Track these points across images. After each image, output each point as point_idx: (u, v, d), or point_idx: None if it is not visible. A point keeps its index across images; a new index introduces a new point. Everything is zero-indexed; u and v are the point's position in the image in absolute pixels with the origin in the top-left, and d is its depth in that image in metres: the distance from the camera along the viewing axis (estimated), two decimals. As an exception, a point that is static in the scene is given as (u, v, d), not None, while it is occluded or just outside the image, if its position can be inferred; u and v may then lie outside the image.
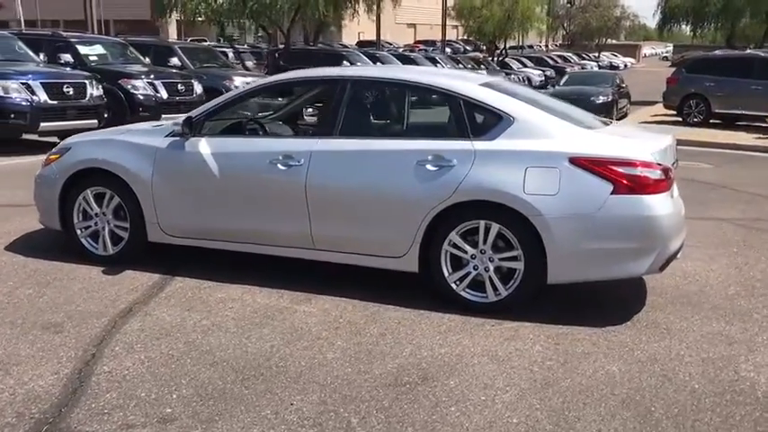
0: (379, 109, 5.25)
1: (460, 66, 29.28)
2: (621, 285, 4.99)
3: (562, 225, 4.35)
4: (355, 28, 50.70)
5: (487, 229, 4.50)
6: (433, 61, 27.66)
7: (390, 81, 5.18)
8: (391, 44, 58.34)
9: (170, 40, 44.16)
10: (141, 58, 14.89)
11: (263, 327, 4.28)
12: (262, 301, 4.73)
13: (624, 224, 4.33)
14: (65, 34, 14.39)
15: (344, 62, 21.66)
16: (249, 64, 24.70)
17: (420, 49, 48.75)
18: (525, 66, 37.10)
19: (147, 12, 43.08)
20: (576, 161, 4.36)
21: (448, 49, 55.61)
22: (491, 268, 4.55)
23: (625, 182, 4.31)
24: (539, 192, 4.36)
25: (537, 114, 4.63)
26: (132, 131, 5.58)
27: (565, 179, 4.36)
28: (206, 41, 45.93)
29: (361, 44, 45.57)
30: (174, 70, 14.94)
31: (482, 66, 31.45)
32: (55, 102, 11.18)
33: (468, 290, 4.62)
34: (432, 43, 55.42)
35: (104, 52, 14.21)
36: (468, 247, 4.57)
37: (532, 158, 4.44)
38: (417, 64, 25.87)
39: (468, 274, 4.61)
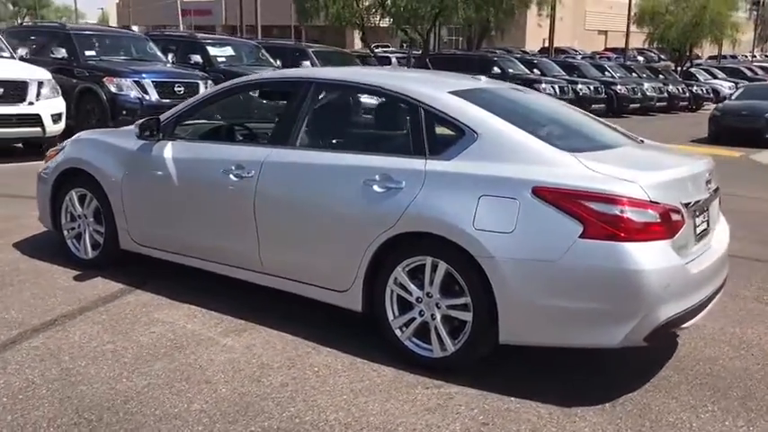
0: (336, 117, 4.55)
1: (634, 74, 27.13)
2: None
3: (516, 272, 3.42)
4: (540, 33, 49.13)
5: (434, 268, 3.67)
6: (600, 68, 25.85)
7: (349, 84, 4.43)
8: (577, 51, 55.89)
9: (355, 48, 45.29)
10: (272, 61, 15.05)
11: (161, 360, 3.77)
12: (192, 327, 4.22)
13: (593, 278, 3.32)
14: (199, 36, 14.90)
15: (494, 68, 20.78)
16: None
17: (601, 57, 46.25)
18: (715, 77, 33.77)
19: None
20: (540, 192, 3.41)
21: (640, 58, 52.28)
22: (438, 317, 3.71)
23: (599, 223, 3.30)
24: (491, 227, 3.46)
25: (506, 130, 3.70)
26: (116, 132, 5.33)
27: (524, 214, 3.42)
28: (389, 47, 46.72)
29: (544, 51, 43.97)
30: None
31: (661, 75, 28.95)
32: (166, 100, 11.47)
33: (414, 339, 3.81)
34: (621, 51, 52.40)
35: (235, 54, 14.52)
36: (413, 288, 3.76)
37: (488, 185, 3.55)
38: (579, 70, 24.33)
39: (413, 319, 3.80)
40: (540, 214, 3.39)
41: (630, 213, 3.28)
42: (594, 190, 3.33)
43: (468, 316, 3.60)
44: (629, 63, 33.89)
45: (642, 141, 4.47)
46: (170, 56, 13.26)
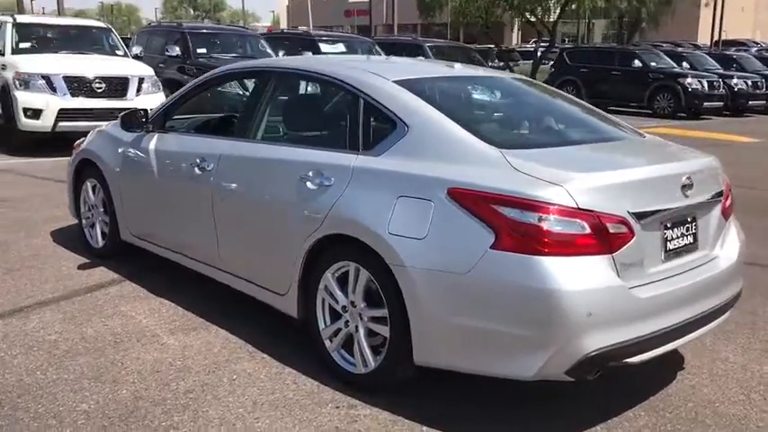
0: (286, 108, 4.22)
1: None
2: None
3: (427, 283, 2.99)
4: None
5: (357, 276, 3.32)
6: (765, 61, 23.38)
7: (299, 73, 4.09)
8: (758, 43, 51.08)
9: (512, 43, 44.32)
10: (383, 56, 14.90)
11: (90, 355, 3.69)
12: (147, 322, 4.13)
13: (503, 296, 2.82)
14: (313, 33, 15.08)
15: (635, 61, 19.40)
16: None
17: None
18: None
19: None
20: (454, 194, 2.95)
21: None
22: (361, 329, 3.35)
23: (512, 232, 2.79)
24: (404, 232, 3.06)
25: (436, 123, 3.25)
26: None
27: (437, 218, 2.98)
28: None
29: (722, 43, 40.53)
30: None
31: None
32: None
33: (342, 351, 3.47)
34: (810, 43, 47.16)
35: (346, 50, 14.55)
36: (340, 296, 3.42)
37: (408, 184, 3.14)
38: (738, 63, 22.16)
39: (339, 330, 3.47)
40: (453, 219, 2.94)
41: (551, 222, 2.75)
42: (509, 193, 2.82)
43: (386, 330, 3.21)
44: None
45: (644, 136, 3.82)
46: (281, 53, 13.52)
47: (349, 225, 3.27)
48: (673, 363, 3.78)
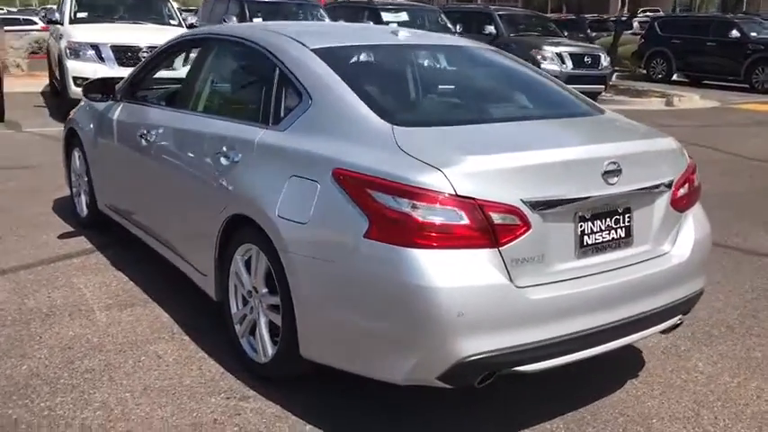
0: (215, 77, 3.96)
1: None
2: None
3: (308, 273, 2.74)
4: None
5: (258, 260, 3.10)
6: None
7: (230, 39, 3.78)
8: None
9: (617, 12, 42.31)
10: (450, 26, 14.41)
11: (14, 327, 3.63)
12: (90, 295, 4.07)
13: (372, 289, 2.53)
14: (376, 1, 14.74)
15: (733, 31, 18.00)
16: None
17: None
18: None
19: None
20: (338, 175, 2.67)
21: None
22: (262, 317, 3.14)
23: (384, 220, 2.49)
24: (290, 215, 2.81)
25: (337, 96, 2.94)
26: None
27: (321, 201, 2.71)
28: (659, 11, 42.87)
29: None
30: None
31: None
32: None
33: (251, 338, 3.27)
34: None
35: (408, 19, 14.17)
36: (246, 280, 3.22)
37: (300, 164, 2.88)
38: None
39: (245, 316, 3.27)
40: (334, 203, 2.66)
41: (424, 211, 2.43)
42: (384, 176, 2.52)
43: (279, 318, 2.99)
44: None
45: (603, 112, 3.37)
46: (340, 20, 13.31)
47: (246, 205, 3.06)
48: (628, 367, 3.38)
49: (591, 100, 3.49)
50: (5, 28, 17.57)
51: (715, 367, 3.44)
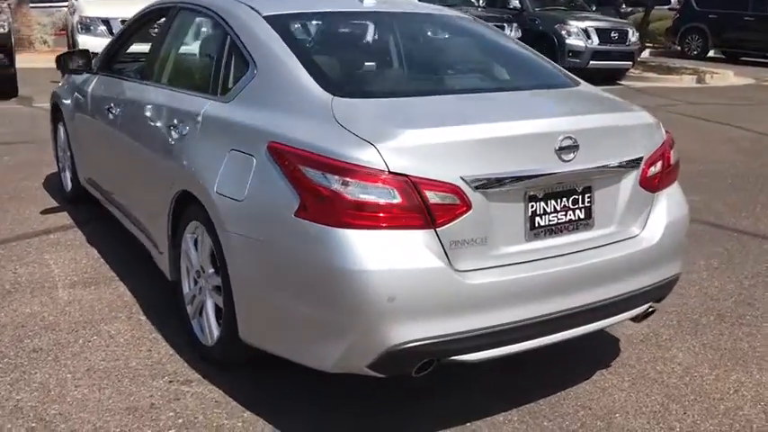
0: (174, 47, 3.78)
1: None
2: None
3: (243, 252, 2.60)
4: None
5: (203, 238, 2.96)
6: None
7: (185, 6, 3.61)
8: None
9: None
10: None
11: (-29, 302, 3.60)
12: (57, 272, 3.99)
13: (301, 271, 2.38)
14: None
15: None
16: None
17: None
18: None
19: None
20: (272, 149, 2.50)
21: None
22: (208, 298, 3.01)
23: (314, 198, 2.33)
24: (228, 192, 2.66)
25: (281, 65, 2.76)
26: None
27: (256, 178, 2.55)
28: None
29: None
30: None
31: None
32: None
33: (201, 320, 3.14)
34: None
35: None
36: (194, 259, 3.09)
37: (239, 136, 2.73)
38: None
39: (194, 296, 3.14)
40: (268, 180, 2.50)
41: (353, 188, 2.25)
42: (315, 150, 2.34)
43: (221, 301, 2.85)
44: None
45: (577, 84, 3.14)
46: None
47: (190, 181, 2.92)
48: (600, 357, 3.19)
49: (567, 71, 3.26)
50: (31, 5, 17.65)
51: (695, 358, 3.22)
